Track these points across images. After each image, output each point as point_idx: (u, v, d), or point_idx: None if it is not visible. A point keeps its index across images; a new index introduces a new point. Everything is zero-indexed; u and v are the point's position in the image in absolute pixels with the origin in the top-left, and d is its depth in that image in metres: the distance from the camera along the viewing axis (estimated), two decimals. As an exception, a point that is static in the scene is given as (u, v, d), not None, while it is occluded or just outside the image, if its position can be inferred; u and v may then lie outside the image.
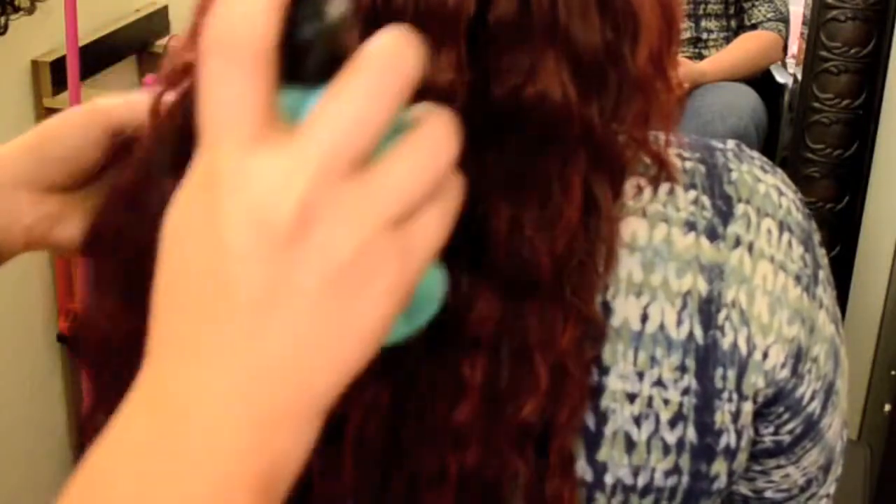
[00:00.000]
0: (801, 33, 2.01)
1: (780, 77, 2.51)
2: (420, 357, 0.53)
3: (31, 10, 1.79)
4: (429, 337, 0.53)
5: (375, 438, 0.55)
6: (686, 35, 2.49)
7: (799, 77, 1.98)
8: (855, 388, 1.81)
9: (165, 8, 2.21)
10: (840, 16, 1.83)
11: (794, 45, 2.46)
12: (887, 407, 1.76)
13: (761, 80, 2.49)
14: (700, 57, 2.52)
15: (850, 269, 1.89)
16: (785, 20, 2.54)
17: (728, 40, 2.54)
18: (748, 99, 2.37)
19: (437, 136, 0.32)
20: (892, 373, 1.77)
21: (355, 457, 0.55)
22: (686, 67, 2.37)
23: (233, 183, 0.30)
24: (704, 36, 2.53)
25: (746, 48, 2.50)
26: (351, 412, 0.54)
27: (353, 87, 0.30)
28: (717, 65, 2.45)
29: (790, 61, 2.53)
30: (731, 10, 2.55)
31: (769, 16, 2.51)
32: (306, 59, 0.30)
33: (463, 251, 0.53)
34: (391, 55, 0.31)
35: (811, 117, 1.88)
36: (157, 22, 2.19)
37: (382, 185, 0.31)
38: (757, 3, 2.52)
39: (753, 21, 2.52)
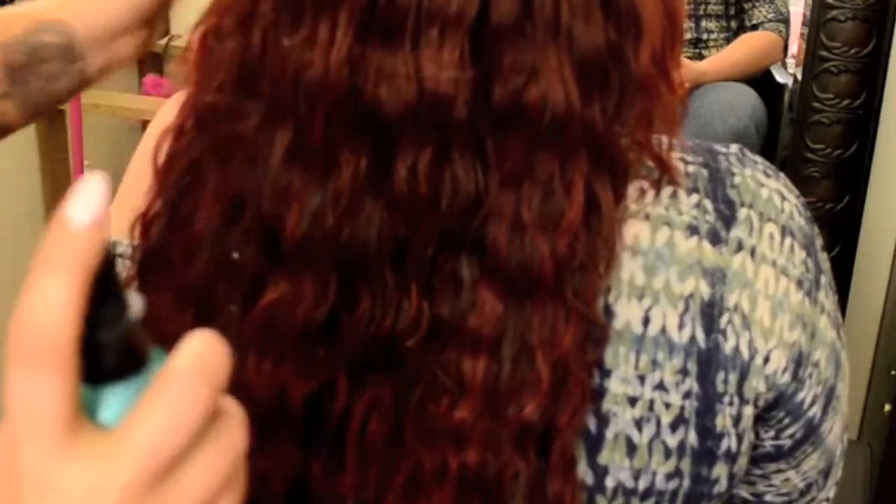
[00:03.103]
0: (801, 33, 2.02)
1: (780, 77, 2.51)
2: (421, 355, 0.54)
3: (30, 10, 1.78)
4: (430, 335, 0.53)
5: (377, 437, 0.55)
6: (686, 36, 2.49)
7: (799, 77, 1.98)
8: (855, 389, 1.81)
9: (165, 8, 2.21)
10: (840, 16, 1.83)
11: (794, 45, 2.46)
12: (887, 407, 1.76)
13: (761, 80, 2.49)
14: (700, 57, 2.52)
15: (850, 269, 1.89)
16: (785, 21, 2.54)
17: (728, 41, 2.54)
18: (748, 99, 2.37)
19: (232, 434, 0.33)
20: (892, 373, 1.77)
21: (356, 456, 0.55)
22: (686, 67, 2.37)
23: (37, 492, 0.30)
24: (705, 36, 2.53)
25: (747, 48, 2.50)
26: (352, 411, 0.54)
27: (163, 400, 0.31)
28: (717, 65, 2.45)
29: (790, 61, 2.53)
30: (732, 11, 2.55)
31: (770, 16, 2.51)
32: (103, 357, 0.31)
33: (465, 250, 0.53)
34: (201, 364, 0.32)
35: (811, 117, 1.88)
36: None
37: (185, 492, 0.32)
38: (757, 4, 2.52)
39: (754, 22, 2.52)
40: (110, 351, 0.32)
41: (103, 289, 0.31)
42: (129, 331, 0.32)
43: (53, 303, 0.30)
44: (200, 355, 0.33)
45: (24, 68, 0.57)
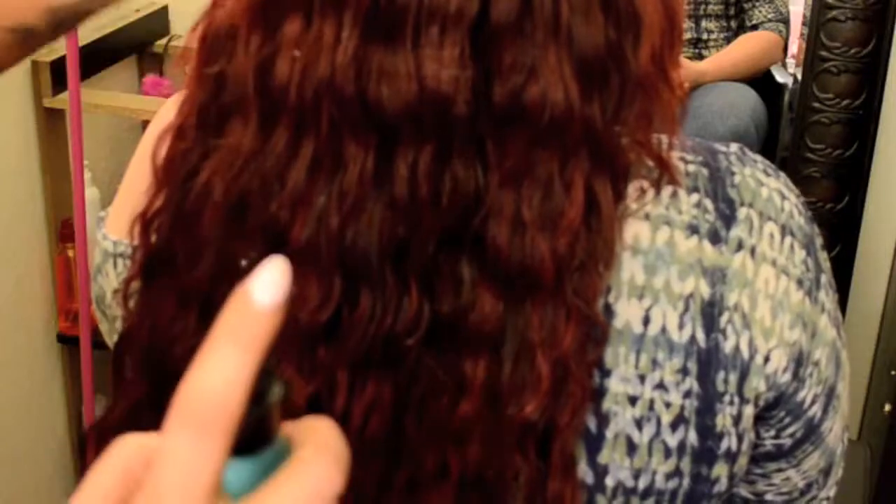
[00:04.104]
0: (801, 33, 2.01)
1: (780, 77, 2.51)
2: (422, 354, 0.54)
3: (30, 10, 1.78)
4: (431, 334, 0.53)
5: (377, 436, 0.55)
6: (686, 36, 2.49)
7: (799, 77, 1.98)
8: (855, 388, 1.81)
9: (165, 8, 2.21)
10: (840, 16, 1.82)
11: (794, 45, 2.46)
12: (887, 407, 1.76)
13: (761, 80, 2.48)
14: (700, 58, 2.51)
15: (850, 269, 1.89)
16: (785, 21, 2.53)
17: (728, 41, 2.53)
18: (748, 99, 2.37)
19: (323, 470, 0.34)
20: (893, 373, 1.77)
21: (357, 454, 0.55)
22: (686, 68, 2.37)
23: None
24: (705, 37, 2.53)
25: (747, 48, 2.50)
26: (353, 409, 0.54)
27: (296, 482, 0.33)
28: (717, 65, 2.45)
29: (790, 61, 2.53)
30: (732, 11, 2.55)
31: (770, 16, 2.51)
32: (244, 431, 0.32)
33: (465, 249, 0.53)
34: (332, 454, 0.34)
35: (811, 117, 1.88)
36: (157, 22, 2.19)
37: None
38: (757, 4, 2.52)
39: (754, 22, 2.52)
40: (252, 426, 0.32)
41: (261, 367, 0.32)
42: (271, 409, 0.33)
43: (231, 376, 0.31)
44: (330, 445, 0.34)
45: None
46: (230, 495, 0.33)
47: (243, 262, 0.54)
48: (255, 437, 0.33)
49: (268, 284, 0.32)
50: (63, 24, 0.59)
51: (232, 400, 0.31)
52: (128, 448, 0.34)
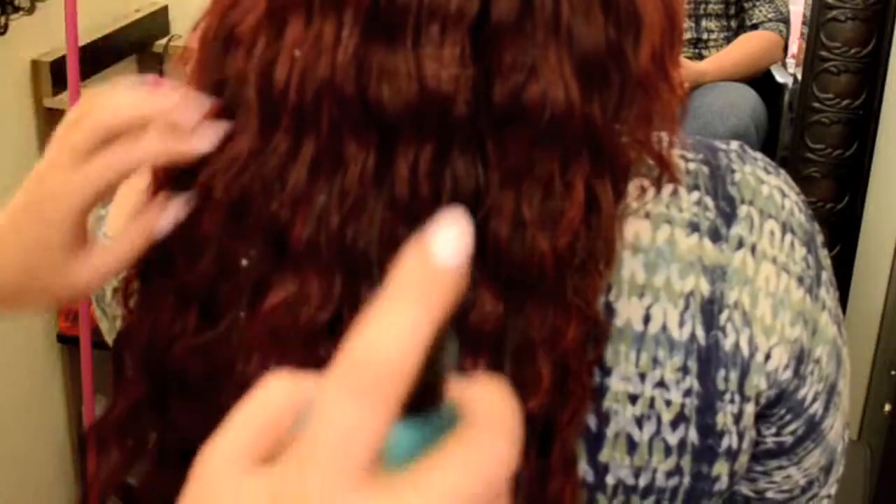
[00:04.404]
0: (801, 33, 2.01)
1: (780, 77, 2.51)
2: None
3: (31, 10, 1.79)
4: None
5: None
6: (686, 35, 2.49)
7: (799, 77, 1.98)
8: (855, 388, 1.81)
9: (165, 8, 2.21)
10: (840, 16, 1.83)
11: (794, 45, 2.46)
12: (887, 407, 1.76)
13: (761, 80, 2.48)
14: (700, 57, 2.51)
15: (850, 269, 1.89)
16: (785, 20, 2.53)
17: (728, 41, 2.54)
18: (748, 99, 2.37)
19: (499, 441, 0.30)
20: (893, 373, 1.77)
21: None
22: (686, 67, 2.37)
23: None
24: (705, 36, 2.53)
25: (747, 48, 2.50)
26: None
27: (465, 453, 0.30)
28: (717, 65, 2.45)
29: (790, 61, 2.53)
30: (732, 11, 2.55)
31: (770, 16, 2.51)
32: (415, 393, 0.30)
33: None
34: (506, 421, 0.31)
35: (811, 117, 1.88)
36: (157, 22, 2.19)
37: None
38: (758, 4, 2.52)
39: (754, 21, 2.52)
40: (423, 389, 0.30)
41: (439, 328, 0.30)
42: (442, 375, 0.31)
43: (408, 338, 0.28)
44: (505, 411, 0.31)
45: None
46: (392, 460, 0.30)
47: (244, 262, 0.54)
48: (424, 401, 0.30)
49: (449, 241, 0.29)
50: None
51: (406, 364, 0.28)
52: (276, 394, 0.32)
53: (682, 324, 0.58)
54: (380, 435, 0.29)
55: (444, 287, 0.29)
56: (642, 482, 0.60)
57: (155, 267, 0.58)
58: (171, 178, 0.58)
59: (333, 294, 0.53)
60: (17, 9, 1.76)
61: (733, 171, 0.60)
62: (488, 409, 0.31)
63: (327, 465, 0.29)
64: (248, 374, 0.53)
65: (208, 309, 0.55)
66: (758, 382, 0.59)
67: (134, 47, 2.14)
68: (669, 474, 0.59)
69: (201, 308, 0.55)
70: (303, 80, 0.51)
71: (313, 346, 0.53)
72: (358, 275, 0.53)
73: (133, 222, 0.58)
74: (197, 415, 0.55)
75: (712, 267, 0.58)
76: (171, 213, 0.56)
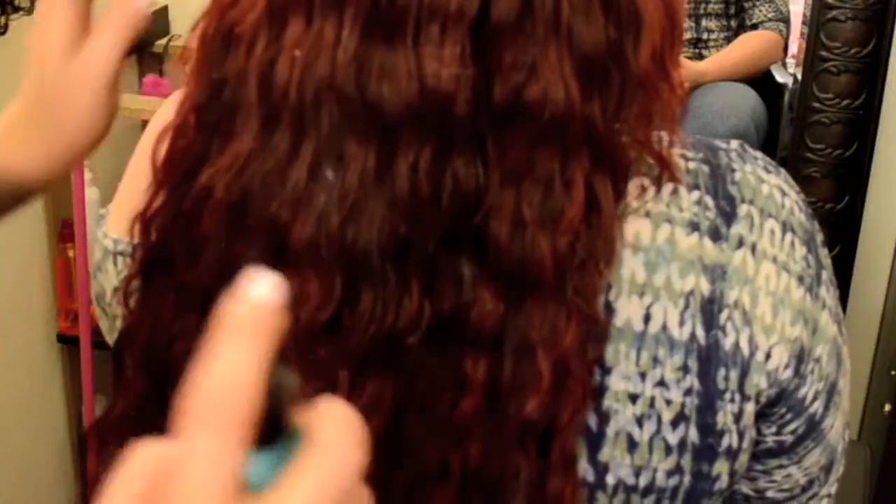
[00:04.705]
0: (801, 33, 2.01)
1: (780, 77, 2.51)
2: (422, 353, 0.54)
3: (30, 10, 1.79)
4: (431, 333, 0.53)
5: (378, 435, 0.55)
6: (686, 35, 2.49)
7: (799, 77, 1.98)
8: (855, 388, 1.81)
9: (165, 8, 2.21)
10: (840, 16, 1.83)
11: (794, 45, 2.46)
12: (887, 407, 1.76)
13: (761, 80, 2.48)
14: (700, 57, 2.51)
15: (850, 269, 1.89)
16: (786, 20, 2.53)
17: (728, 41, 2.54)
18: (748, 99, 2.37)
19: (341, 451, 0.34)
20: (892, 373, 1.77)
21: None
22: (686, 67, 2.37)
23: None
24: (705, 36, 2.53)
25: (747, 48, 2.50)
26: (353, 408, 0.54)
27: (315, 468, 0.33)
28: (717, 65, 2.45)
29: (790, 61, 2.53)
30: (732, 10, 2.55)
31: (770, 16, 2.51)
32: (262, 424, 0.33)
33: (466, 248, 0.53)
34: (348, 435, 0.34)
35: (811, 117, 1.88)
36: (157, 22, 2.19)
37: None
38: (758, 3, 2.52)
39: (754, 21, 2.52)
40: (268, 419, 0.33)
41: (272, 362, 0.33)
42: (285, 400, 0.34)
43: (243, 371, 0.32)
44: (345, 425, 0.34)
45: None
46: (253, 487, 0.33)
47: (244, 262, 0.54)
48: (272, 429, 0.33)
49: (264, 282, 0.33)
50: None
51: (247, 396, 0.32)
52: (145, 458, 0.34)
53: (682, 323, 0.58)
54: (237, 462, 0.32)
55: (268, 322, 0.33)
56: (643, 481, 0.60)
57: (155, 266, 0.58)
58: (171, 178, 0.58)
59: (333, 294, 0.53)
60: (17, 9, 1.76)
61: (733, 171, 0.60)
62: (329, 420, 0.34)
63: (197, 497, 0.31)
64: None
65: (209, 308, 0.55)
66: (758, 381, 0.59)
67: (134, 47, 2.14)
68: (670, 473, 0.60)
69: (201, 307, 0.55)
70: (303, 80, 0.51)
71: (313, 346, 0.53)
72: (358, 274, 0.53)
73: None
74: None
75: (712, 266, 0.58)
76: None
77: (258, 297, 0.33)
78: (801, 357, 0.60)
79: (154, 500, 0.33)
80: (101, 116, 0.62)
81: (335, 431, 0.34)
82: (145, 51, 2.18)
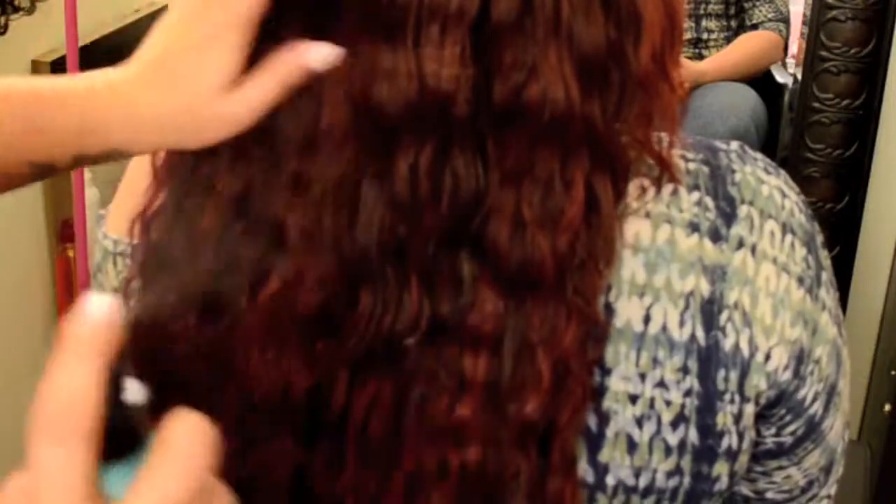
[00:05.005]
0: (801, 33, 2.02)
1: (780, 77, 2.51)
2: (422, 353, 0.54)
3: (31, 10, 1.79)
4: (431, 333, 0.53)
5: (377, 434, 0.55)
6: (686, 35, 2.49)
7: (799, 77, 1.98)
8: (855, 388, 1.81)
9: (165, 8, 2.21)
10: (840, 16, 1.83)
11: (794, 45, 2.47)
12: (887, 407, 1.76)
13: (761, 80, 2.49)
14: (700, 57, 2.52)
15: (850, 269, 1.89)
16: (785, 20, 2.54)
17: (728, 41, 2.54)
18: (748, 99, 2.37)
19: (187, 449, 0.36)
20: (893, 373, 1.77)
21: (357, 453, 0.55)
22: (686, 67, 2.37)
23: None
24: (705, 36, 2.53)
25: (747, 48, 2.50)
26: (353, 408, 0.54)
27: (161, 473, 0.35)
28: (717, 65, 2.45)
29: (790, 61, 2.53)
30: (732, 11, 2.55)
31: (770, 16, 2.51)
32: (111, 438, 0.35)
33: (465, 248, 0.53)
34: (191, 440, 0.36)
35: (811, 117, 1.88)
36: (157, 22, 2.19)
37: None
38: (758, 4, 2.52)
39: (754, 21, 2.52)
40: (116, 430, 0.35)
41: (113, 376, 0.35)
42: (133, 413, 0.36)
43: (79, 384, 0.34)
44: (192, 429, 0.36)
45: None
46: (114, 499, 0.34)
47: (244, 260, 0.54)
48: (127, 442, 0.35)
49: (100, 303, 0.35)
50: (83, 163, 0.61)
51: (83, 407, 0.33)
52: (9, 494, 0.36)
53: (682, 324, 0.58)
54: (85, 474, 0.33)
55: (100, 339, 0.35)
56: (642, 482, 0.60)
57: (155, 266, 0.58)
58: (171, 178, 0.58)
59: (329, 286, 0.53)
60: (17, 9, 1.76)
61: (733, 172, 0.60)
62: (175, 430, 0.36)
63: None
64: (247, 372, 0.53)
65: (208, 307, 0.55)
66: (758, 383, 0.59)
67: (134, 47, 2.14)
68: (669, 474, 0.60)
69: (201, 306, 0.55)
70: (302, 78, 0.51)
71: (311, 340, 0.53)
72: (357, 274, 0.53)
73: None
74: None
75: (712, 267, 0.58)
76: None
77: (94, 316, 0.35)
78: (800, 358, 0.60)
79: None
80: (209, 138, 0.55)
81: (182, 435, 0.35)
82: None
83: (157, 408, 0.58)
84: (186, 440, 0.36)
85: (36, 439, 0.34)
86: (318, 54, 0.51)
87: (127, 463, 0.35)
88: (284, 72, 0.52)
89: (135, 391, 0.36)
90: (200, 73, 0.54)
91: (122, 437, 0.35)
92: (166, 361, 0.57)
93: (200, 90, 0.53)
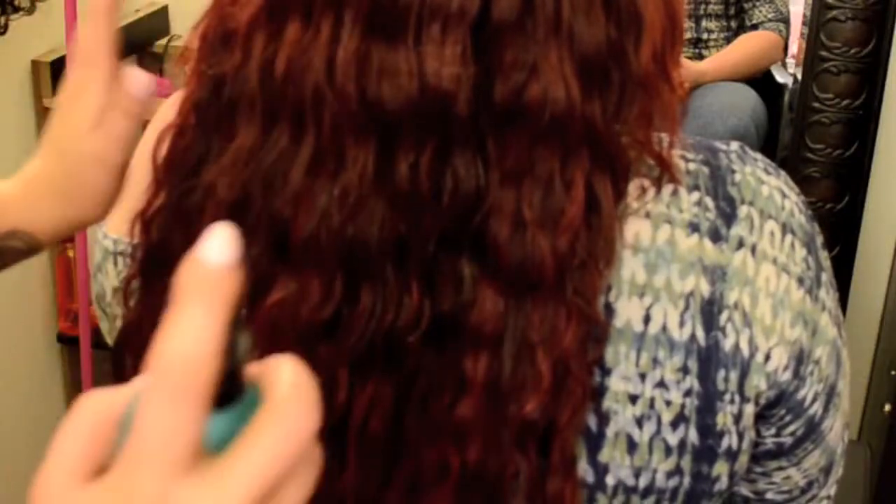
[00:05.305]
0: (801, 33, 2.01)
1: (780, 77, 2.51)
2: (422, 353, 0.54)
3: (31, 10, 1.79)
4: (431, 332, 0.53)
5: (378, 434, 0.55)
6: (686, 35, 2.48)
7: (799, 77, 1.98)
8: (855, 388, 1.81)
9: (165, 8, 2.21)
10: (840, 16, 1.82)
11: (794, 45, 2.46)
12: (887, 407, 1.76)
13: (761, 80, 2.48)
14: (700, 58, 2.51)
15: (850, 269, 1.89)
16: (785, 20, 2.53)
17: (728, 41, 2.54)
18: (748, 99, 2.37)
19: (297, 411, 0.34)
20: (893, 373, 1.77)
21: (357, 452, 0.55)
22: (686, 68, 2.37)
23: None
24: (705, 36, 2.53)
25: (747, 48, 2.50)
26: (354, 407, 0.54)
27: (271, 428, 0.34)
28: (717, 65, 2.45)
29: (790, 61, 2.53)
30: (732, 11, 2.55)
31: (770, 16, 2.51)
32: (220, 386, 0.33)
33: (466, 247, 0.53)
34: (302, 394, 0.35)
35: (811, 117, 1.88)
36: (157, 22, 2.19)
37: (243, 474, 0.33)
38: (758, 4, 2.52)
39: (754, 21, 2.52)
40: (226, 381, 0.33)
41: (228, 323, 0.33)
42: (241, 361, 0.34)
43: (201, 337, 0.32)
44: (299, 385, 0.35)
45: None
46: (210, 448, 0.33)
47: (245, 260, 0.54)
48: (229, 390, 0.34)
49: (216, 246, 0.33)
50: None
51: (205, 360, 0.32)
52: (91, 410, 0.34)
53: (682, 324, 0.58)
54: (196, 429, 0.32)
55: (220, 285, 0.33)
56: (642, 482, 0.59)
57: (155, 266, 0.58)
58: (171, 178, 0.58)
59: (334, 293, 0.53)
60: (17, 9, 1.76)
61: (733, 172, 0.60)
62: (282, 387, 0.34)
63: (154, 464, 0.32)
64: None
65: None
66: (758, 383, 0.59)
67: (134, 47, 2.14)
68: (669, 474, 0.59)
69: None
70: (302, 78, 0.51)
71: (313, 344, 0.53)
72: (358, 273, 0.53)
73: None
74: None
75: (712, 267, 0.58)
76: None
77: (213, 259, 0.33)
78: (800, 359, 0.60)
79: (102, 455, 0.33)
80: (112, 192, 0.63)
81: (289, 394, 0.34)
82: (145, 51, 2.18)
83: None
84: (295, 402, 0.34)
85: (153, 392, 0.32)
86: (137, 82, 0.58)
87: (231, 412, 0.34)
88: (125, 104, 0.57)
89: (244, 339, 0.34)
90: (71, 120, 0.61)
91: (231, 386, 0.34)
92: None
93: (74, 133, 0.60)
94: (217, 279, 0.33)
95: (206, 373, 0.32)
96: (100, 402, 0.34)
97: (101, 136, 0.61)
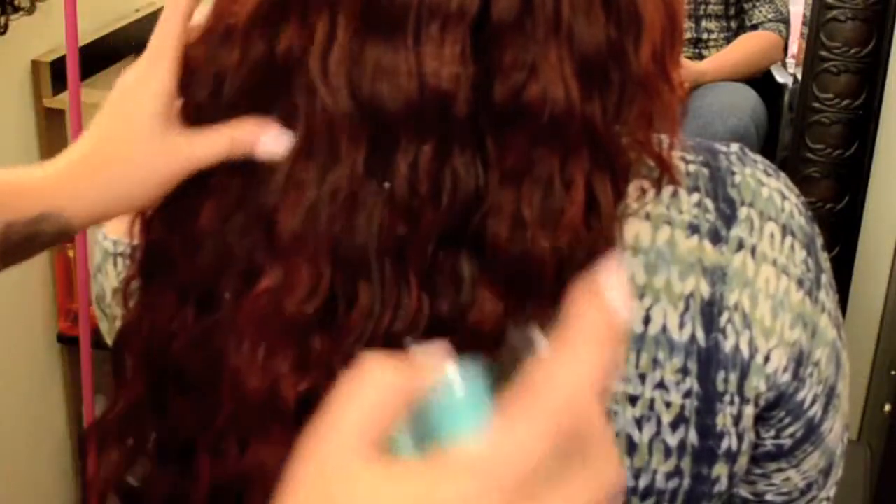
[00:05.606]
0: (801, 33, 2.01)
1: (780, 77, 2.51)
2: None
3: (31, 10, 1.79)
4: (430, 332, 0.53)
5: None
6: (686, 36, 2.49)
7: (799, 77, 1.98)
8: (855, 389, 1.81)
9: (165, 8, 2.21)
10: (840, 16, 1.82)
11: (794, 45, 2.46)
12: (887, 407, 1.76)
13: (761, 80, 2.48)
14: (700, 58, 2.51)
15: (850, 269, 1.89)
16: (785, 21, 2.54)
17: (728, 41, 2.54)
18: (748, 99, 2.37)
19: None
20: (893, 373, 1.77)
21: None
22: (686, 68, 2.37)
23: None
24: (705, 36, 2.53)
25: (747, 48, 2.50)
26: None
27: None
28: (717, 65, 2.45)
29: (790, 61, 2.53)
30: (732, 11, 2.55)
31: (770, 16, 2.51)
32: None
33: (465, 247, 0.53)
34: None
35: (811, 117, 1.88)
36: (157, 22, 2.18)
37: None
38: (758, 4, 2.52)
39: (754, 21, 2.52)
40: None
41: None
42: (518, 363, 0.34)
43: (587, 380, 0.32)
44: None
45: (17, 246, 0.62)
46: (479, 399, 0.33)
47: (240, 257, 0.54)
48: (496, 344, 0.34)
49: (619, 292, 0.33)
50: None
51: (583, 404, 0.31)
52: (383, 377, 0.34)
53: (682, 325, 0.58)
54: (543, 455, 0.31)
55: (615, 331, 0.32)
56: (642, 483, 0.59)
57: (155, 266, 0.58)
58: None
59: (321, 286, 0.52)
60: (17, 9, 1.76)
61: (733, 174, 0.60)
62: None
63: (496, 481, 0.31)
64: (238, 367, 0.53)
65: (205, 300, 0.55)
66: (757, 384, 0.59)
67: (134, 47, 2.14)
68: (669, 476, 0.59)
69: (199, 301, 0.55)
70: (301, 78, 0.51)
71: (304, 337, 0.53)
72: (355, 272, 0.53)
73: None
74: (195, 412, 0.55)
75: (712, 268, 0.58)
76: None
77: (613, 302, 0.32)
78: (799, 360, 0.60)
79: (387, 424, 0.33)
80: (159, 189, 0.58)
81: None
82: (145, 51, 2.18)
83: (157, 407, 0.58)
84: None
85: (521, 416, 0.31)
86: (270, 142, 0.53)
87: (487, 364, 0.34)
88: (235, 141, 0.54)
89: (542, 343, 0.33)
90: (139, 103, 0.58)
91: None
92: (166, 360, 0.57)
93: (142, 121, 0.57)
94: (615, 324, 0.32)
95: (579, 414, 0.31)
96: (391, 376, 0.34)
97: (165, 124, 0.57)
